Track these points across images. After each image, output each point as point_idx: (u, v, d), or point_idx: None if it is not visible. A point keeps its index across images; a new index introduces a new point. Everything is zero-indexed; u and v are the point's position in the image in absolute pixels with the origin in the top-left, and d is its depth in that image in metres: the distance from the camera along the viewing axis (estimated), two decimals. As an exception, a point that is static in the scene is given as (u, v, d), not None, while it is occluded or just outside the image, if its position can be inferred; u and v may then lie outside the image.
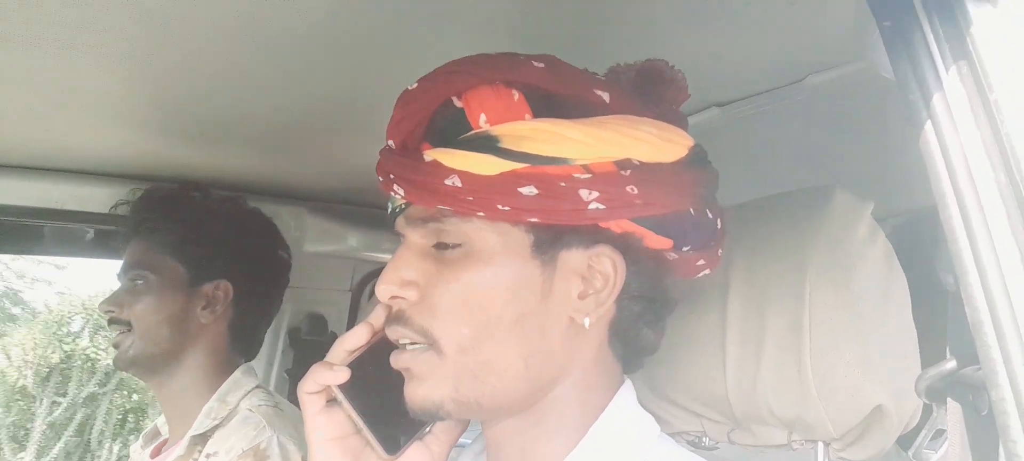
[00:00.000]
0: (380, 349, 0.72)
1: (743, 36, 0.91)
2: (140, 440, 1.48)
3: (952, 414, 0.52)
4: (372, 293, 1.95)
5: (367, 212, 1.78)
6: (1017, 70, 0.49)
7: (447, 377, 0.67)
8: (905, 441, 0.79)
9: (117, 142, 1.34)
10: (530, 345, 0.67)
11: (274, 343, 1.81)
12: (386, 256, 1.86)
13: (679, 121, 0.72)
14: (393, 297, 0.69)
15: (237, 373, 1.38)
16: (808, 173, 1.37)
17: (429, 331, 0.67)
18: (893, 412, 0.78)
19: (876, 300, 0.79)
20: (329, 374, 0.72)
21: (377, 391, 0.72)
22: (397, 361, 0.70)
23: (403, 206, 0.70)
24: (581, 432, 0.69)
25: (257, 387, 1.37)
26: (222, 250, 1.38)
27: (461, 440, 0.79)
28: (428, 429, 0.75)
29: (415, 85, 0.69)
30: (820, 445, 0.83)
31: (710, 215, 0.72)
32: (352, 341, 0.74)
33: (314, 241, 1.59)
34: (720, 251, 0.75)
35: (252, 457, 1.21)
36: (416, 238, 0.70)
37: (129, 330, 1.33)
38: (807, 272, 0.79)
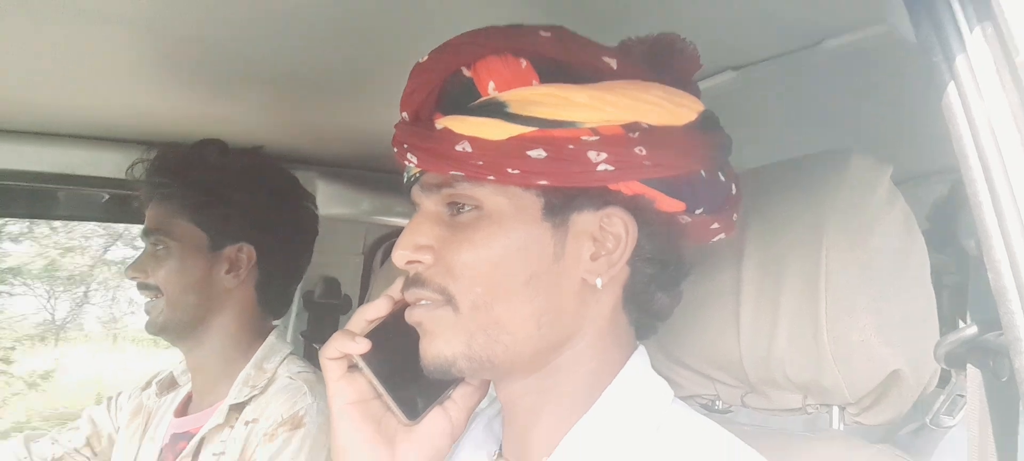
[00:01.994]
0: (401, 317, 0.73)
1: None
2: (153, 386, 1.47)
3: (972, 380, 0.52)
4: (384, 258, 1.97)
5: (379, 177, 1.78)
6: (1044, 31, 0.48)
7: (460, 333, 0.68)
8: (922, 406, 0.79)
9: (127, 106, 1.34)
10: (542, 304, 0.68)
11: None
12: (398, 220, 1.87)
13: (691, 90, 0.73)
14: (409, 262, 0.70)
15: (271, 338, 1.37)
16: (825, 137, 1.35)
17: (446, 288, 0.69)
18: (910, 377, 0.78)
19: (894, 264, 0.79)
20: (350, 343, 0.73)
21: (398, 358, 0.73)
22: (411, 315, 0.71)
23: (417, 175, 0.72)
24: (593, 396, 0.71)
25: (291, 354, 1.37)
26: (241, 211, 1.35)
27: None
28: (448, 395, 0.76)
29: (426, 58, 0.71)
30: (835, 409, 0.83)
31: (723, 178, 0.73)
32: (373, 311, 0.75)
33: (326, 205, 1.60)
34: (735, 216, 0.76)
35: (289, 425, 1.21)
36: (430, 205, 0.72)
37: (157, 296, 1.32)
38: (824, 235, 0.78)
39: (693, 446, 0.68)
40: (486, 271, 0.68)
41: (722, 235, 0.76)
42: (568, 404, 0.71)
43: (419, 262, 0.70)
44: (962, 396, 0.54)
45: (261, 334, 1.38)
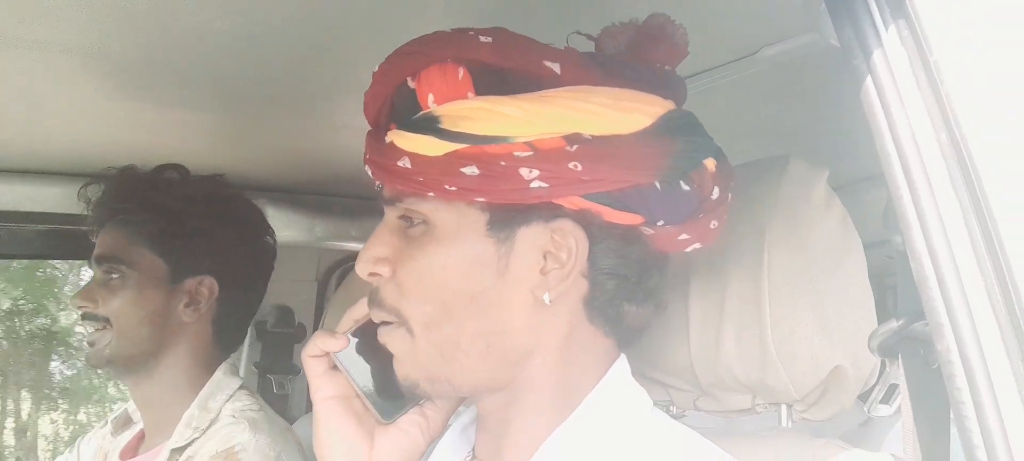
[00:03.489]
0: None
1: (698, 10, 0.92)
2: (108, 425, 1.40)
3: (904, 369, 0.54)
4: (339, 283, 1.95)
5: (331, 201, 1.76)
6: (956, 32, 0.50)
7: (419, 357, 0.69)
8: (862, 397, 0.81)
9: (66, 137, 1.30)
10: (489, 323, 0.68)
11: (241, 337, 1.78)
12: (351, 245, 1.85)
13: (669, 84, 0.70)
14: (370, 274, 0.71)
15: (218, 374, 1.29)
16: (765, 144, 1.38)
17: (399, 310, 0.69)
18: (851, 372, 0.80)
19: (833, 263, 0.81)
20: (328, 341, 0.75)
21: (378, 359, 0.74)
22: (380, 337, 0.72)
23: (381, 185, 0.72)
24: (568, 406, 0.69)
25: (240, 389, 1.29)
26: (205, 242, 1.28)
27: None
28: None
29: (378, 67, 0.70)
30: (783, 407, 0.85)
31: (686, 187, 0.68)
32: (359, 311, 0.76)
33: (278, 232, 1.57)
34: (713, 223, 0.71)
35: (224, 458, 1.15)
36: (391, 216, 0.72)
37: (105, 327, 1.24)
38: (765, 239, 0.80)
39: (671, 452, 0.68)
40: (433, 290, 0.68)
41: (697, 245, 0.72)
42: (540, 415, 0.70)
43: (378, 275, 0.70)
44: (897, 385, 0.56)
45: (212, 369, 1.31)
